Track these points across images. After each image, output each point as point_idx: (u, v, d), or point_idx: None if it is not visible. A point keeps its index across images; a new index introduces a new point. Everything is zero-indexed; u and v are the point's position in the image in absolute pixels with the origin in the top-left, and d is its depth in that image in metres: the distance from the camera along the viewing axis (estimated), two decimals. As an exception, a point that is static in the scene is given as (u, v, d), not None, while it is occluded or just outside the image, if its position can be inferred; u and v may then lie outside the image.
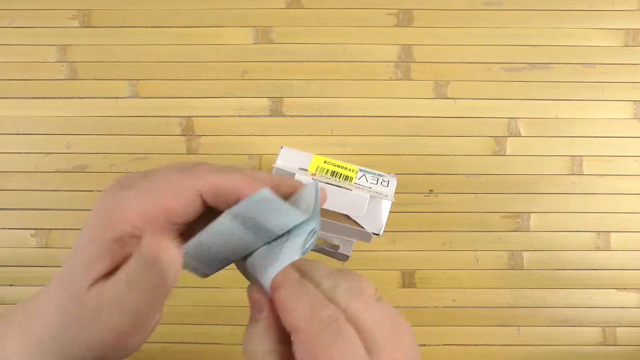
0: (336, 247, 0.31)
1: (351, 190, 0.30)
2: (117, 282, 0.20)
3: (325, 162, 0.31)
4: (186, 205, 0.21)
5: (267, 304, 0.21)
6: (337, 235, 0.30)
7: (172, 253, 0.18)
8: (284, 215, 0.21)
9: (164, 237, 0.18)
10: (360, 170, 0.32)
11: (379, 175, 0.31)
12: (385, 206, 0.30)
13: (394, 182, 0.31)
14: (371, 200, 0.30)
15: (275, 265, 0.21)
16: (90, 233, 0.20)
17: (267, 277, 0.21)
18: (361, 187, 0.30)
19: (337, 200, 0.29)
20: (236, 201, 0.21)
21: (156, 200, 0.21)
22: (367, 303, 0.21)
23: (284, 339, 0.21)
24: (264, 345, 0.21)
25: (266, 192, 0.20)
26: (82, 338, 0.21)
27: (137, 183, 0.21)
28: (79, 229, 0.41)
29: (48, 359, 0.22)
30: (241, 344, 0.41)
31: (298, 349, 0.19)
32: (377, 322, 0.20)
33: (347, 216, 0.30)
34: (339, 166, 0.31)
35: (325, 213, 0.30)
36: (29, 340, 0.21)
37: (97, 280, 0.20)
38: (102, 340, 0.21)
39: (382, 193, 0.30)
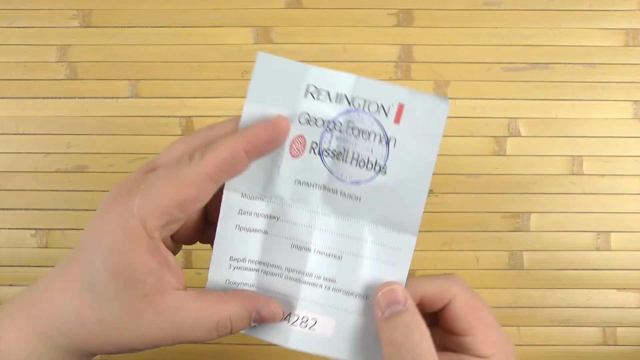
0: None
1: None
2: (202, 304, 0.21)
3: None
4: (197, 194, 0.21)
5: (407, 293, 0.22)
6: None
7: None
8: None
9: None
10: None
11: None
12: None
13: None
14: None
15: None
16: (113, 246, 0.20)
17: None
18: None
19: None
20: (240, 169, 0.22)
21: (166, 199, 0.20)
22: None
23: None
24: (424, 334, 0.21)
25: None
26: (110, 338, 0.21)
27: (142, 187, 0.20)
28: (80, 229, 0.41)
29: (53, 354, 0.21)
30: (241, 344, 0.41)
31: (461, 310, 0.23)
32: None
33: None
34: None
35: None
36: (30, 331, 0.21)
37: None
38: (135, 342, 0.21)
39: None
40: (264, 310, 0.22)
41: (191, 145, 0.22)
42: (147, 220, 0.20)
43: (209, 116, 0.42)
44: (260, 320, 0.23)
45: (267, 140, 0.22)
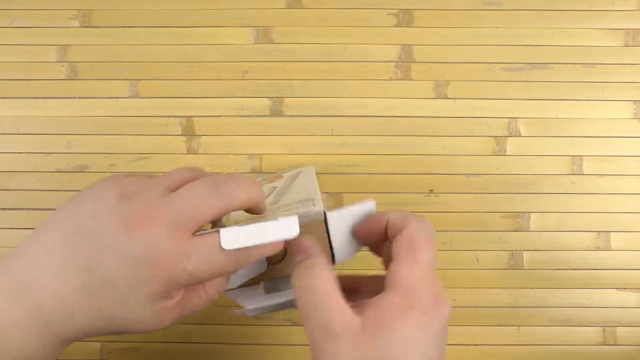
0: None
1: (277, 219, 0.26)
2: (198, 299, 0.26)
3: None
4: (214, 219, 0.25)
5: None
6: None
7: None
8: None
9: None
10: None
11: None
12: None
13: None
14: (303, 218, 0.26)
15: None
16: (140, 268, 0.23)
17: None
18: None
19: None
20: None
21: (193, 224, 0.24)
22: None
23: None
24: (329, 280, 0.23)
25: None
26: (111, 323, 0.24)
27: (167, 210, 0.23)
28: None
29: (46, 332, 0.23)
30: (241, 344, 0.41)
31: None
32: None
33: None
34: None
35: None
36: (24, 306, 0.23)
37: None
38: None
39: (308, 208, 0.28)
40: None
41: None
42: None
43: (209, 116, 0.42)
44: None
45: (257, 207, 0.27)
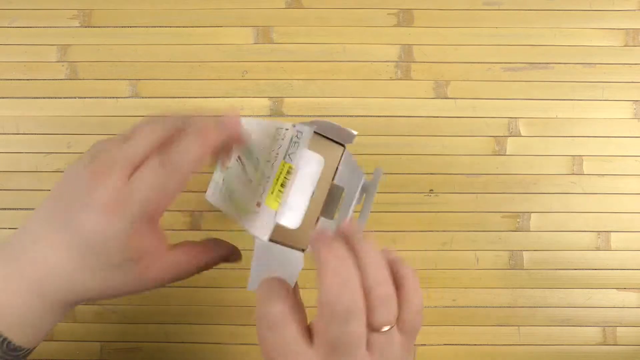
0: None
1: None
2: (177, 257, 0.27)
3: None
4: (179, 192, 0.26)
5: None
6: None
7: None
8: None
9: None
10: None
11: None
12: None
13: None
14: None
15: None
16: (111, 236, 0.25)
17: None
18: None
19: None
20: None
21: (160, 207, 0.26)
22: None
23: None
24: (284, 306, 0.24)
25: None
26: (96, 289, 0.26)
27: (137, 198, 0.25)
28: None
29: (44, 304, 0.25)
30: (241, 344, 0.41)
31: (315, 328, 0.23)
32: None
33: None
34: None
35: None
36: (23, 286, 0.25)
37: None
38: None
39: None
40: (232, 258, 0.29)
41: (159, 133, 0.27)
42: (150, 220, 0.25)
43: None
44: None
45: (226, 139, 0.28)
